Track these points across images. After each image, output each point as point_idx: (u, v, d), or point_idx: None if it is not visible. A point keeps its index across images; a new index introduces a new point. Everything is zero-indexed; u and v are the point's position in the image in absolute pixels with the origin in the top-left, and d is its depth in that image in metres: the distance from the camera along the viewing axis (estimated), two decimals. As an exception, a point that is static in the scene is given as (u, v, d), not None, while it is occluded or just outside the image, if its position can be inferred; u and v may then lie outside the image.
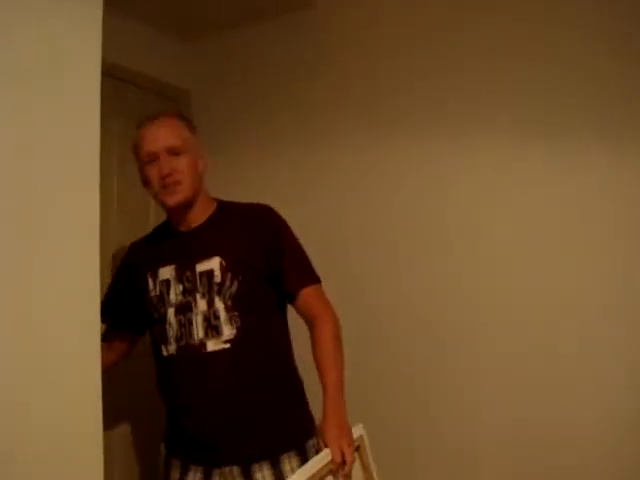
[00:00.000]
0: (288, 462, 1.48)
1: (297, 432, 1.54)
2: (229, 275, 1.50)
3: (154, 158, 1.52)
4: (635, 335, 1.76)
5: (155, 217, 2.43)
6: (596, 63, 1.83)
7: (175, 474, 1.55)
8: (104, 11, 1.15)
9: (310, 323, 1.58)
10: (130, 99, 2.32)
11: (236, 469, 1.46)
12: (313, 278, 1.62)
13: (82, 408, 1.07)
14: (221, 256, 1.51)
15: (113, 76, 2.11)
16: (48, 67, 1.04)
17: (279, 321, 1.62)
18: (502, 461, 1.92)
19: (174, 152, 1.53)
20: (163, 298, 1.55)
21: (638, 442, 1.74)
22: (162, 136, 1.54)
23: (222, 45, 2.54)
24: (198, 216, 1.60)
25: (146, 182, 1.59)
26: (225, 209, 1.64)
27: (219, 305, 1.49)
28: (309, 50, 2.35)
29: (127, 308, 1.67)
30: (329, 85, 2.30)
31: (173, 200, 1.53)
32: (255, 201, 1.66)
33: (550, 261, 1.89)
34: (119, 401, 2.04)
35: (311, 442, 1.54)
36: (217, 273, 1.50)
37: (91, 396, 1.08)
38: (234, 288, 1.49)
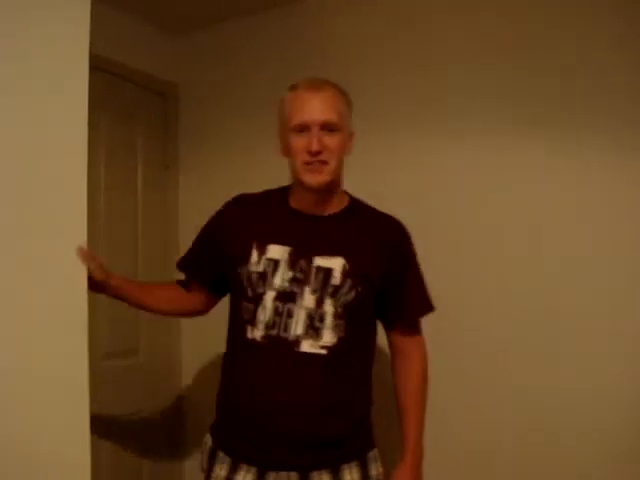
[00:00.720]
0: (349, 473, 1.40)
1: (360, 443, 1.46)
2: (349, 281, 1.39)
3: (304, 129, 1.37)
4: (636, 335, 1.75)
5: (143, 211, 2.42)
6: (598, 61, 1.82)
7: (222, 470, 1.42)
8: (93, 4, 1.15)
9: (404, 353, 1.53)
10: (118, 92, 2.31)
11: (294, 475, 1.36)
12: (430, 307, 1.55)
13: (69, 406, 1.07)
14: (346, 259, 1.39)
15: (102, 69, 2.10)
16: (40, 65, 1.04)
17: (372, 340, 1.53)
18: (512, 462, 1.90)
19: (329, 128, 1.38)
20: (266, 278, 1.40)
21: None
22: (320, 108, 1.38)
23: (211, 39, 2.52)
24: (332, 205, 1.46)
25: (286, 151, 1.44)
26: (358, 208, 1.51)
27: (328, 308, 1.38)
28: (299, 44, 2.34)
29: (212, 265, 1.53)
30: (319, 80, 2.29)
31: (316, 181, 1.38)
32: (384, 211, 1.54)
33: (551, 260, 1.88)
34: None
35: (372, 453, 1.46)
36: (337, 275, 1.38)
37: (78, 394, 1.08)
38: (350, 296, 1.38)
